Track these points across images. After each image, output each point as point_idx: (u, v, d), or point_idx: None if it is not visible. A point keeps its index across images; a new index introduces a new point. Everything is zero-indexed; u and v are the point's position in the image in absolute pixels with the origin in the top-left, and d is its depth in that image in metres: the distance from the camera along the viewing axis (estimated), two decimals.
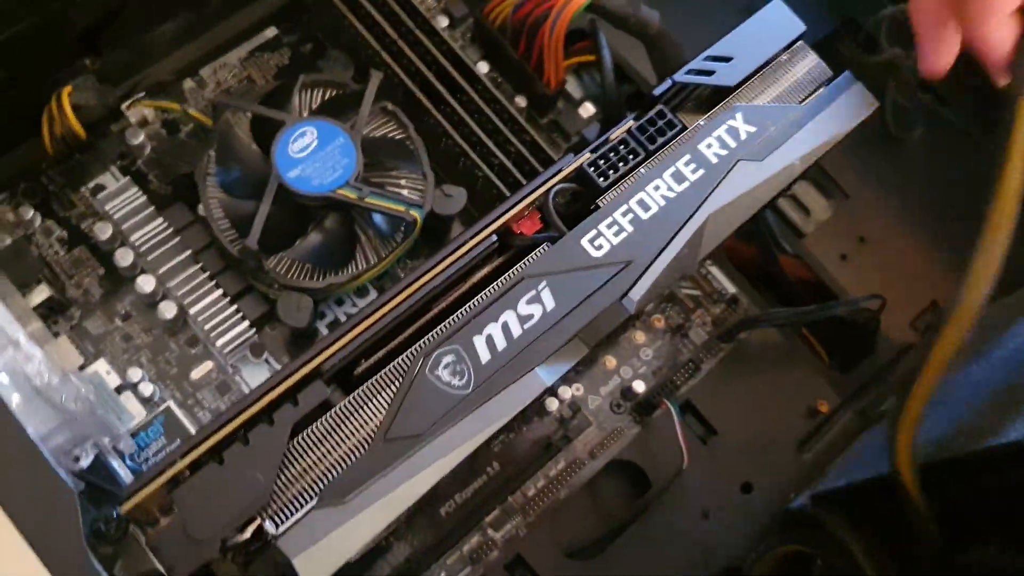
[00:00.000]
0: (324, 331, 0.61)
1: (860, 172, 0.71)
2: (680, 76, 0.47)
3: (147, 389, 0.57)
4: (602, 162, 0.45)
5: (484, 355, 0.41)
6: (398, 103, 0.62)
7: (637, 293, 0.43)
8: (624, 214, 0.44)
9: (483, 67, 0.67)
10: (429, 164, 0.61)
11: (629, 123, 0.46)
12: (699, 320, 0.65)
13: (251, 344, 0.59)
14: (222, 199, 0.58)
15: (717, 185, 0.45)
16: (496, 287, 0.43)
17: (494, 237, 0.43)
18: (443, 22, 0.68)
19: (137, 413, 0.56)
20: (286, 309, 0.56)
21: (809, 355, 0.67)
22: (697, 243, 0.44)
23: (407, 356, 0.41)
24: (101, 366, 0.57)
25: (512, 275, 0.43)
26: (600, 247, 0.43)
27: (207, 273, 0.59)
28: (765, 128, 0.46)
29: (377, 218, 0.57)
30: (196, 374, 0.59)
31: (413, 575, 0.56)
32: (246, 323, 0.58)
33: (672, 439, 0.59)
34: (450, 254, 0.43)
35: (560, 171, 0.44)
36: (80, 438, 0.43)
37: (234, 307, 0.59)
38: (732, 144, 0.46)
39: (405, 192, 0.60)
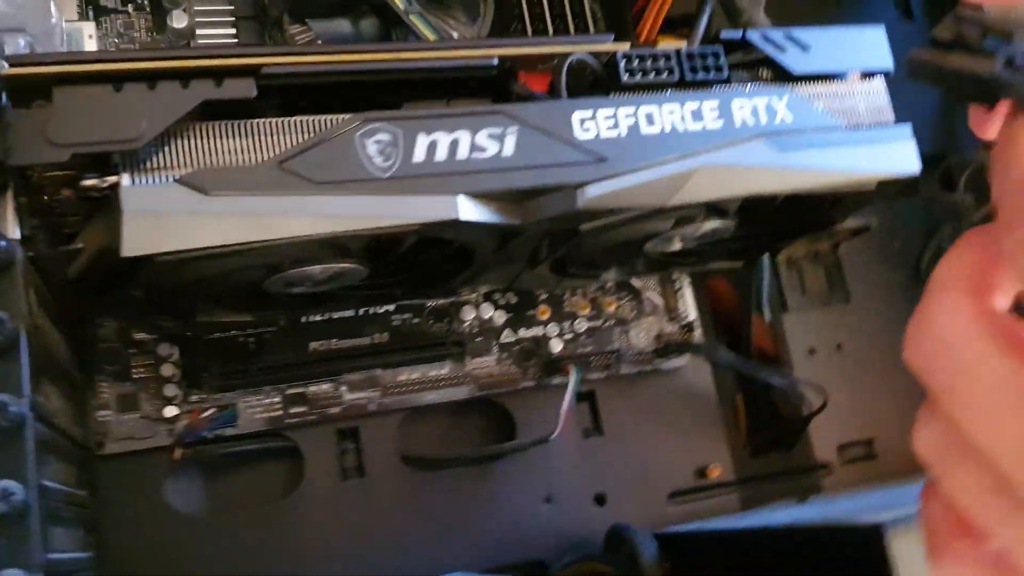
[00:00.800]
0: None
1: (873, 288, 0.68)
2: (753, 34, 0.44)
3: None
4: (636, 61, 0.43)
5: (419, 154, 0.39)
6: None
7: (594, 191, 0.40)
8: (627, 116, 0.41)
9: None
10: (488, 26, 0.59)
11: (682, 45, 0.44)
12: (647, 326, 0.62)
13: None
14: None
15: (728, 145, 0.42)
16: (470, 106, 0.40)
17: (495, 60, 0.41)
18: None
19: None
20: None
21: (731, 420, 0.63)
22: (676, 185, 0.41)
23: (350, 114, 0.39)
24: (90, 27, 0.55)
25: (491, 105, 0.40)
26: (587, 130, 0.41)
27: (233, 8, 0.57)
28: (802, 125, 0.43)
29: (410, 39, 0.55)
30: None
31: (248, 386, 0.53)
32: None
33: (556, 408, 0.56)
34: (448, 47, 0.41)
35: (592, 43, 0.42)
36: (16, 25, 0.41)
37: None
38: (764, 119, 0.43)
39: (455, 36, 0.58)
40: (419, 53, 0.40)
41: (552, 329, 0.60)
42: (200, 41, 0.55)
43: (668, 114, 0.42)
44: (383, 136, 0.38)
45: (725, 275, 0.65)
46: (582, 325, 0.61)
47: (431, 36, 0.54)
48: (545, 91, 0.43)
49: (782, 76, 0.45)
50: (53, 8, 0.48)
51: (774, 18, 0.67)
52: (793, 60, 0.44)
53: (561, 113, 0.41)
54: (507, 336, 0.59)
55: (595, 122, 0.41)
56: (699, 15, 0.57)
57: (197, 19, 0.56)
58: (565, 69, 0.41)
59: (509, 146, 0.40)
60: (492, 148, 0.39)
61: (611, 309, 0.62)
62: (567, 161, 0.40)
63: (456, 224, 0.39)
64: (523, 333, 0.60)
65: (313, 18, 0.55)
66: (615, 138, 0.41)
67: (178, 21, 0.56)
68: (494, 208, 0.40)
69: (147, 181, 0.36)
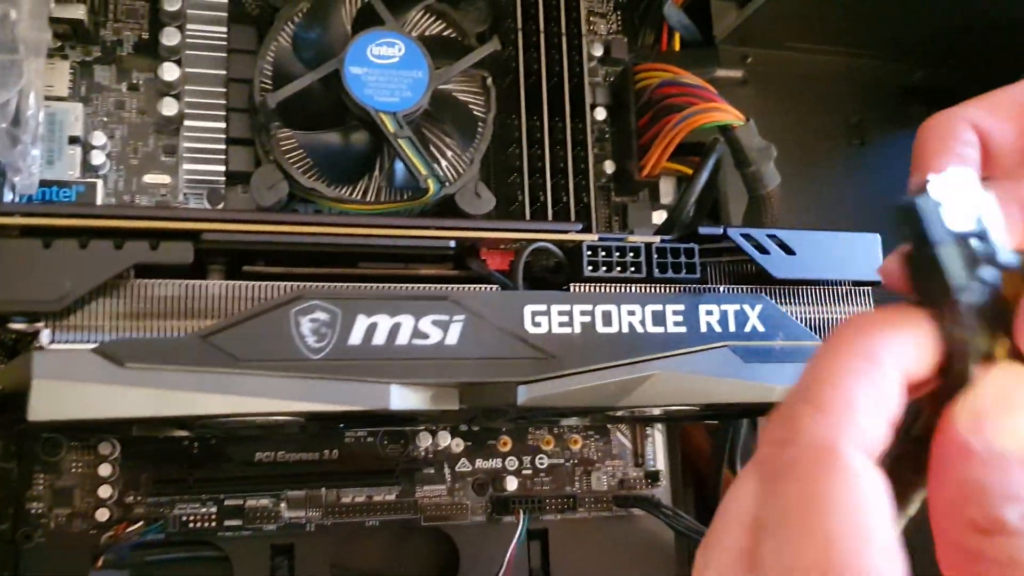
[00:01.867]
0: None
1: None
2: (735, 232, 0.42)
3: (98, 158, 0.54)
4: (603, 253, 0.41)
5: (356, 337, 0.37)
6: (498, 84, 0.59)
7: (537, 390, 0.38)
8: (583, 313, 0.39)
9: (599, 113, 0.63)
10: (483, 155, 0.57)
11: (656, 239, 0.41)
12: (610, 469, 0.60)
13: (212, 189, 0.55)
14: (283, 48, 0.55)
15: (688, 352, 0.40)
16: (418, 286, 0.39)
17: (452, 243, 0.39)
18: (596, 51, 0.64)
19: (71, 169, 0.53)
20: (260, 181, 0.52)
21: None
22: (626, 389, 0.39)
23: (288, 286, 0.37)
24: (77, 109, 0.54)
25: (440, 288, 0.39)
26: (538, 325, 0.39)
27: (225, 103, 0.56)
28: (774, 336, 0.41)
29: (398, 164, 0.53)
30: (149, 178, 0.55)
31: (184, 494, 0.52)
32: (222, 168, 0.55)
33: (503, 550, 0.54)
34: (406, 225, 0.39)
35: (556, 233, 0.40)
36: None
37: (224, 146, 0.55)
38: (732, 327, 0.41)
39: (444, 163, 0.56)
40: (375, 230, 0.38)
41: (511, 463, 0.58)
42: (185, 144, 0.54)
43: (627, 315, 0.40)
44: (320, 315, 0.37)
45: (702, 424, 0.63)
46: (543, 461, 0.59)
47: (418, 163, 0.52)
48: (506, 269, 0.41)
49: (762, 278, 0.43)
50: (32, 98, 0.48)
51: (792, 163, 0.64)
52: (775, 264, 0.42)
53: (513, 305, 0.39)
54: (463, 466, 0.57)
55: (548, 317, 0.39)
56: (700, 168, 0.55)
57: (187, 109, 0.55)
58: (524, 258, 0.40)
59: (453, 335, 0.38)
60: (435, 335, 0.38)
61: (576, 447, 0.59)
62: (513, 356, 0.38)
63: (389, 413, 0.37)
64: (480, 464, 0.58)
65: (303, 127, 0.54)
66: (567, 335, 0.39)
67: (168, 108, 0.55)
68: (430, 396, 0.38)
69: (69, 337, 0.35)
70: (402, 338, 0.37)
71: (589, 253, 0.40)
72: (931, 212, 0.23)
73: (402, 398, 0.37)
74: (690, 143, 0.60)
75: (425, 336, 0.38)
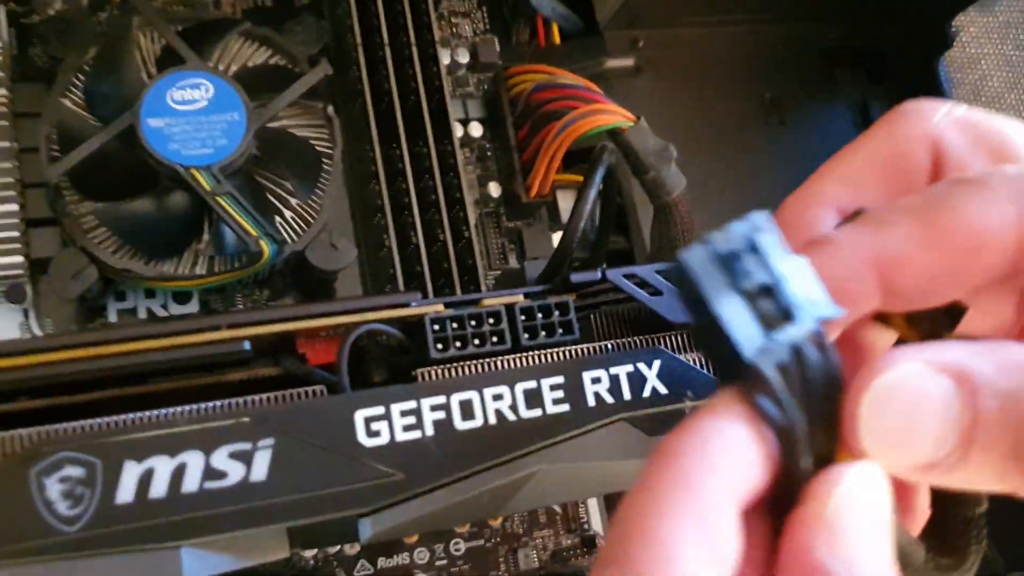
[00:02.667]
0: (114, 317, 0.48)
1: None
2: (614, 274, 0.33)
3: None
4: (454, 325, 0.32)
5: (125, 494, 0.28)
6: (347, 111, 0.49)
7: (385, 522, 0.29)
8: (434, 408, 0.30)
9: (475, 129, 0.54)
10: (334, 199, 0.48)
11: (518, 297, 0.33)
12: (540, 541, 0.51)
13: (12, 285, 0.45)
14: (72, 107, 0.46)
15: (576, 435, 0.31)
16: (209, 409, 0.29)
17: (246, 344, 0.30)
18: (462, 56, 0.55)
19: None
20: (60, 269, 0.43)
21: None
22: (503, 498, 0.30)
23: (32, 434, 0.28)
24: None
25: (239, 406, 0.30)
26: (376, 435, 0.30)
27: (18, 179, 0.46)
28: (680, 396, 0.32)
29: (226, 228, 0.44)
30: None
31: None
32: (22, 259, 0.45)
33: None
34: (186, 330, 0.30)
35: (389, 309, 0.31)
36: None
37: (22, 232, 0.46)
38: (627, 395, 0.32)
39: (288, 215, 0.47)
40: (144, 343, 0.29)
41: (421, 555, 0.49)
42: None
43: (493, 401, 0.31)
44: (71, 471, 0.27)
45: None
46: (459, 547, 0.50)
47: (244, 223, 0.43)
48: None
49: (660, 325, 0.34)
50: None
51: (703, 155, 0.56)
52: (670, 307, 0.33)
53: (338, 413, 0.30)
54: (362, 569, 0.48)
55: (388, 422, 0.30)
56: (586, 185, 0.46)
57: None
58: (348, 348, 0.30)
59: (261, 467, 0.29)
60: (236, 472, 0.29)
61: (496, 523, 0.51)
62: (347, 482, 0.29)
63: None
64: (384, 564, 0.49)
65: (106, 197, 0.44)
66: (417, 441, 0.30)
67: None
68: (243, 549, 0.29)
69: None
70: (190, 483, 0.28)
71: (436, 328, 0.31)
72: (704, 268, 0.19)
73: (200, 563, 0.28)
74: (586, 148, 0.52)
75: (222, 475, 0.28)
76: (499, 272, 0.52)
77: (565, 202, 0.56)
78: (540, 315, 0.32)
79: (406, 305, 0.31)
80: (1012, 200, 0.22)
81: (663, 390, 0.32)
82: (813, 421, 0.20)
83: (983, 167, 0.27)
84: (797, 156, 0.59)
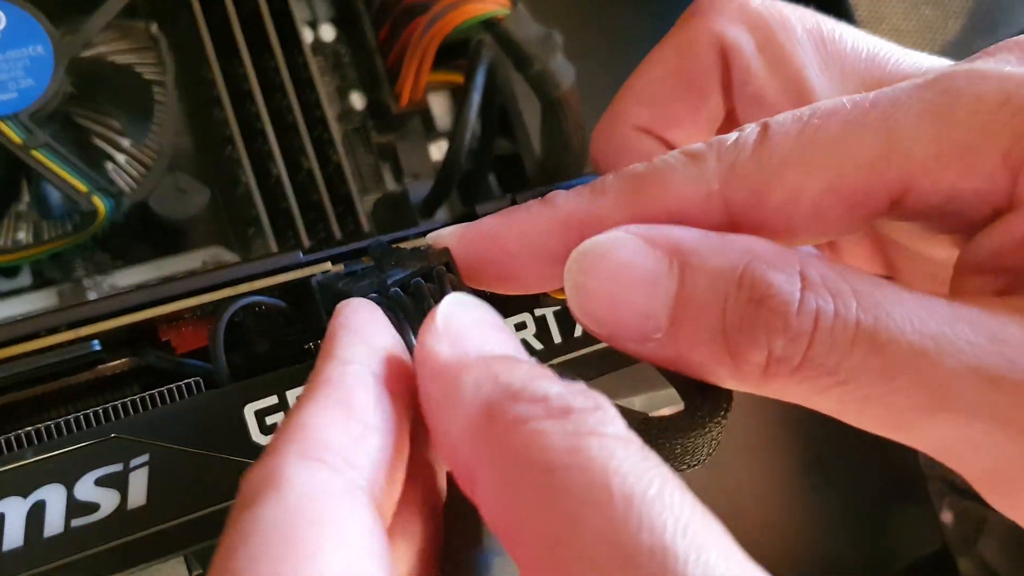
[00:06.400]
0: None
1: None
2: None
3: None
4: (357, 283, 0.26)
5: None
6: (169, 30, 0.42)
7: None
8: None
9: (326, 32, 0.48)
10: (174, 134, 0.41)
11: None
12: None
13: None
14: None
15: None
16: (63, 429, 0.24)
17: (95, 345, 0.24)
18: None
19: None
20: None
21: None
22: None
23: None
24: None
25: (99, 420, 0.24)
26: (273, 429, 0.25)
27: None
28: None
29: (48, 185, 0.37)
30: None
31: None
32: None
33: None
34: (3, 342, 0.24)
35: (267, 275, 0.26)
36: None
37: None
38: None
39: (121, 159, 0.40)
40: None
41: None
42: None
43: None
44: None
45: None
46: None
47: (67, 176, 0.36)
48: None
49: None
50: None
51: (593, 39, 0.51)
52: None
53: (222, 410, 0.24)
54: None
55: (285, 413, 0.25)
56: (468, 88, 0.41)
57: None
58: (222, 330, 0.25)
59: (138, 490, 0.23)
60: (109, 501, 0.23)
61: None
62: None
63: None
64: None
65: None
66: None
67: None
68: None
69: None
70: (53, 523, 0.23)
71: (328, 294, 0.26)
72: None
73: None
74: (457, 41, 0.46)
75: (92, 508, 0.23)
76: (378, 197, 0.46)
77: (439, 107, 0.51)
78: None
79: (288, 269, 0.26)
80: (716, 176, 0.22)
81: None
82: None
83: (764, 77, 0.28)
84: None
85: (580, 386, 0.18)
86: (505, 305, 0.26)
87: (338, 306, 0.21)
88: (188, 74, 0.42)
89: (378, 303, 0.22)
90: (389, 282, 0.23)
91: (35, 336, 0.23)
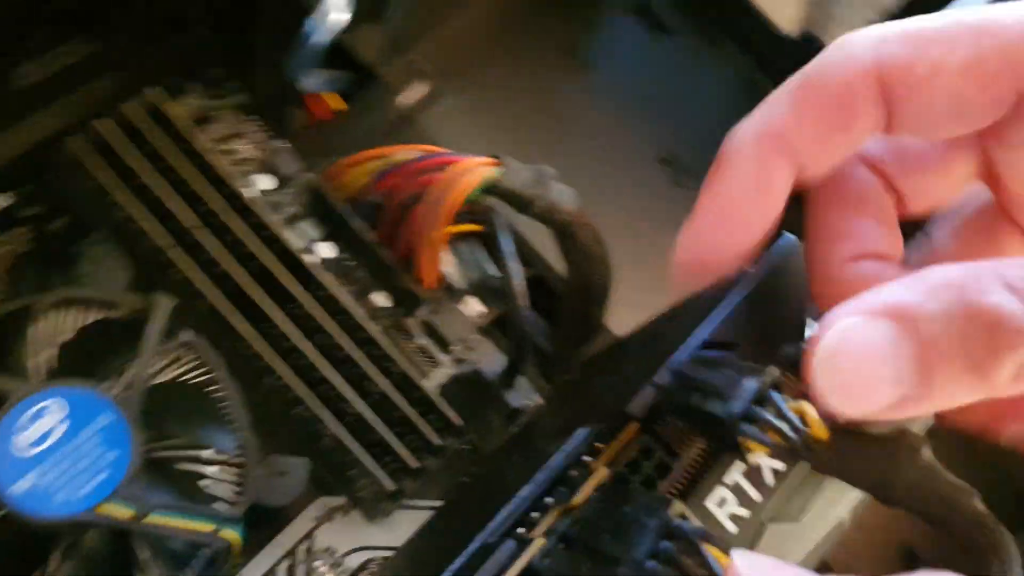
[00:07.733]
0: None
1: None
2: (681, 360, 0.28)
3: None
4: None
5: None
6: (195, 325, 0.41)
7: None
8: None
9: (326, 250, 0.47)
10: (249, 423, 0.40)
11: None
12: None
13: None
14: None
15: None
16: None
17: None
18: (264, 182, 0.47)
19: None
20: None
21: None
22: None
23: None
24: None
25: None
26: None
27: None
28: None
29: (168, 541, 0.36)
30: None
31: None
32: None
33: None
34: None
35: None
36: None
37: None
38: None
39: (209, 474, 0.39)
40: None
41: None
42: None
43: None
44: None
45: None
46: None
47: (187, 524, 0.35)
48: None
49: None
50: None
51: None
52: None
53: None
54: None
55: None
56: (499, 258, 0.41)
57: None
58: None
59: None
60: None
61: None
62: None
63: None
64: None
65: None
66: None
67: None
68: None
69: None
70: None
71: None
72: None
73: None
74: None
75: None
76: (444, 382, 0.46)
77: (447, 264, 0.51)
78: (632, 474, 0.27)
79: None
80: (869, 49, 0.25)
81: None
82: None
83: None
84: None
85: None
86: None
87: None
88: (230, 358, 0.42)
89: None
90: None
91: None
